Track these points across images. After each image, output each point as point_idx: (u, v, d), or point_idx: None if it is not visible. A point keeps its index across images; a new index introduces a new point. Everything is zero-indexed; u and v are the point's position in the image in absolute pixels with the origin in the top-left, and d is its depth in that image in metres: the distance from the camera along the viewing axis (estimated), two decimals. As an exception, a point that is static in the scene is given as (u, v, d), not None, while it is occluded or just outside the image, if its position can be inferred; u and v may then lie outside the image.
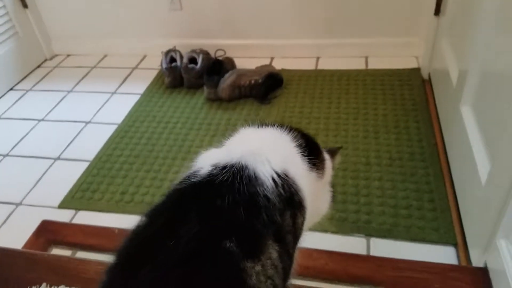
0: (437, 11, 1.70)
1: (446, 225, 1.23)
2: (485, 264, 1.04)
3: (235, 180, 0.49)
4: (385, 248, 1.21)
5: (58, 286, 0.82)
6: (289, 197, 0.52)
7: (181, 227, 0.45)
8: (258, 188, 0.49)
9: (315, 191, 0.60)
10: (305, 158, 0.57)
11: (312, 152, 0.60)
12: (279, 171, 0.52)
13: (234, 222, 0.47)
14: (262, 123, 0.61)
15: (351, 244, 1.22)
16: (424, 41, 1.86)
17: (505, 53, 1.02)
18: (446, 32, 1.63)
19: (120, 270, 0.46)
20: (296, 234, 0.55)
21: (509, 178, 0.90)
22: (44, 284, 0.83)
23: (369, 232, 1.24)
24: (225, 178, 0.50)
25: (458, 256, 1.16)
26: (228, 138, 0.60)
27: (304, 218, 0.56)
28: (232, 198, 0.48)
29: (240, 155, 0.52)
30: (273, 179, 0.51)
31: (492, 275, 1.01)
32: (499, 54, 1.06)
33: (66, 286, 0.82)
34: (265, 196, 0.49)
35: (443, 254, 1.18)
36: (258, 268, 0.44)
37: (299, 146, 0.58)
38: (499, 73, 1.07)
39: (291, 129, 0.62)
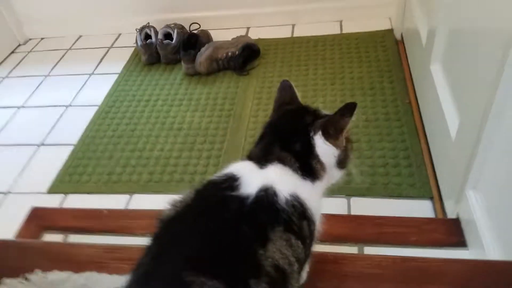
0: (407, -30, 1.71)
1: (421, 180, 1.29)
2: (457, 215, 1.11)
3: (261, 195, 0.65)
4: (365, 206, 1.26)
5: (50, 271, 0.85)
6: (303, 211, 0.68)
7: (223, 214, 0.63)
8: (277, 200, 0.66)
9: (326, 181, 0.76)
10: (306, 179, 0.72)
11: (308, 169, 0.73)
12: (292, 193, 0.68)
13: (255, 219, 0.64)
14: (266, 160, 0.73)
15: (333, 205, 1.27)
16: (396, 1, 1.86)
17: (469, 9, 1.04)
18: (416, -9, 1.64)
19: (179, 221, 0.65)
20: (312, 238, 0.72)
21: (475, 132, 0.95)
22: (36, 271, 0.86)
23: (349, 192, 1.30)
24: (255, 193, 0.66)
25: (434, 209, 1.22)
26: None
27: (315, 227, 0.72)
28: (254, 204, 0.64)
29: (263, 181, 0.67)
30: (286, 198, 0.67)
31: (463, 225, 1.07)
32: (463, 10, 1.09)
33: (58, 270, 0.85)
34: (282, 204, 0.66)
35: (420, 208, 1.23)
36: (261, 252, 0.59)
37: (299, 173, 0.72)
38: (464, 29, 1.09)
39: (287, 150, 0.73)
